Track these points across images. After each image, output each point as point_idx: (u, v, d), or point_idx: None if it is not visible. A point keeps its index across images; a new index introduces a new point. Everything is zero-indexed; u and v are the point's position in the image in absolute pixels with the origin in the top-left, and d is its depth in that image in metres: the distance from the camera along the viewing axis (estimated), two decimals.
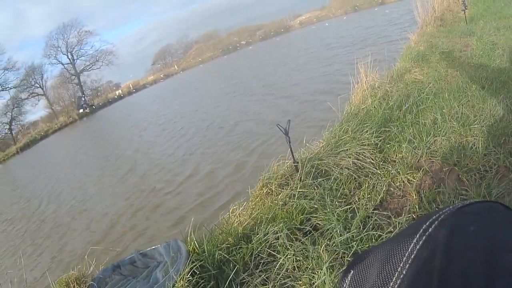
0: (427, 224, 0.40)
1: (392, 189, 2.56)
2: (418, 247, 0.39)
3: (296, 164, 2.51)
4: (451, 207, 0.42)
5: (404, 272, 0.38)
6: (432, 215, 0.41)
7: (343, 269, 0.52)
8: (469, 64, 4.51)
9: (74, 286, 2.38)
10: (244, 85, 14.77)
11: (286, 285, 2.06)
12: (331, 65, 11.19)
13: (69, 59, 45.99)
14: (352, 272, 0.45)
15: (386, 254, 0.41)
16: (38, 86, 43.61)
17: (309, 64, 13.66)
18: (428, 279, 0.35)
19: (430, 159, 2.75)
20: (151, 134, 12.21)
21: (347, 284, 0.44)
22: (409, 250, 0.39)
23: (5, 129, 40.55)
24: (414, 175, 2.56)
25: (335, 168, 2.60)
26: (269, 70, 16.25)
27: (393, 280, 0.38)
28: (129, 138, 13.15)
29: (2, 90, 39.80)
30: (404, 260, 0.39)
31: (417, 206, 2.26)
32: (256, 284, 2.09)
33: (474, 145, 2.62)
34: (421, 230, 0.40)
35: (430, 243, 0.38)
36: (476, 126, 2.87)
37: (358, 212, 2.32)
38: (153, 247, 2.48)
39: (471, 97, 3.39)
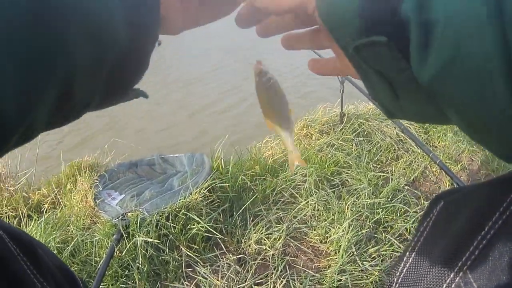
0: None
1: (427, 172, 2.45)
2: None
3: (343, 115, 2.36)
4: None
5: (499, 222, 0.32)
6: None
7: (433, 197, 0.47)
8: None
9: (85, 172, 2.25)
10: None
11: (300, 230, 1.97)
12: None
13: None
14: (442, 203, 0.41)
15: (482, 197, 0.36)
16: None
17: None
18: None
19: (471, 157, 2.65)
20: None
21: (435, 213, 0.41)
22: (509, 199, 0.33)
23: None
24: (452, 167, 2.46)
25: (378, 132, 2.47)
26: None
27: (485, 229, 0.33)
28: None
29: None
30: (501, 209, 0.33)
31: None
32: (270, 220, 1.99)
33: None
34: None
35: None
36: None
37: (390, 182, 2.23)
38: (176, 155, 2.35)
39: None
